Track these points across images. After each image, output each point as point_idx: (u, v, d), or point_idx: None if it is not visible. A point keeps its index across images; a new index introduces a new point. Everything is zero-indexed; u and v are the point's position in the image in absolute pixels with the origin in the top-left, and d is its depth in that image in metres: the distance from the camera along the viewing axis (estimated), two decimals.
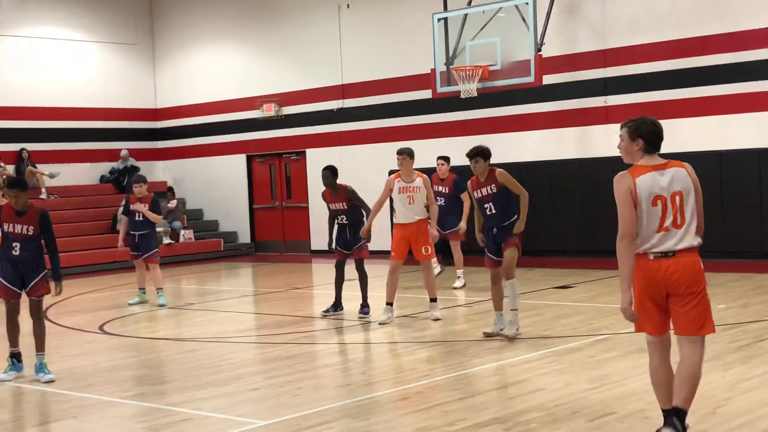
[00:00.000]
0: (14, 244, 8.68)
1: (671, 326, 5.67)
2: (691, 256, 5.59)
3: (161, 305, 13.36)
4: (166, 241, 21.27)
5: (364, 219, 11.42)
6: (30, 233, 8.68)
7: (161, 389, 8.18)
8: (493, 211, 9.57)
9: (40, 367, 8.67)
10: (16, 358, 8.90)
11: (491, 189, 9.56)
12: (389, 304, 11.08)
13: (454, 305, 12.38)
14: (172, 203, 21.97)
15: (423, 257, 11.16)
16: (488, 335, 9.65)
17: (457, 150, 17.83)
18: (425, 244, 11.11)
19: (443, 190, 13.90)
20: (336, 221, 11.68)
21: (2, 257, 8.77)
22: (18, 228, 8.67)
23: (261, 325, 12.07)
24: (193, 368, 8.92)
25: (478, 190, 9.66)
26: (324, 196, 11.76)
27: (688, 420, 5.58)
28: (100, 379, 8.56)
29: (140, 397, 7.86)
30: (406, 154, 11.13)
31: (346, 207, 11.50)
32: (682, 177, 5.62)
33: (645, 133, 5.73)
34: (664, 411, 5.64)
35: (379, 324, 10.90)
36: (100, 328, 11.77)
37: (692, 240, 5.60)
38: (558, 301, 12.25)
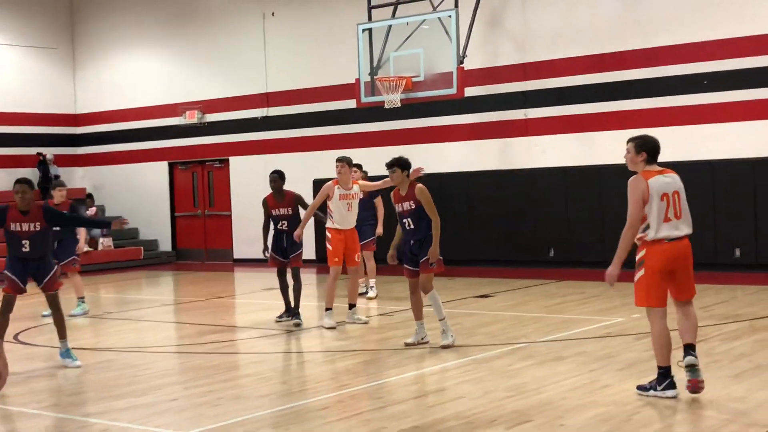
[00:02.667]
0: (23, 242, 9.15)
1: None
2: (687, 240, 7.10)
3: (73, 315, 13.03)
4: (85, 248, 20.86)
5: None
6: (37, 229, 9.14)
7: (77, 400, 8.07)
8: (412, 226, 9.69)
9: (67, 353, 9.41)
10: None
11: (411, 205, 9.66)
12: (330, 309, 11.29)
13: (377, 314, 12.44)
14: (91, 210, 21.60)
15: (355, 264, 11.63)
16: (409, 345, 9.74)
17: (381, 160, 17.96)
18: (358, 252, 11.62)
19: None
20: (276, 228, 11.72)
21: (11, 255, 9.25)
22: (25, 226, 9.12)
23: (181, 335, 11.97)
24: (110, 378, 8.82)
25: (399, 204, 9.77)
26: (266, 200, 11.81)
27: None
28: (14, 390, 8.40)
29: (55, 408, 7.74)
30: (345, 162, 11.56)
31: (290, 213, 11.66)
32: (677, 180, 7.13)
33: (649, 148, 7.13)
34: (662, 367, 7.04)
35: (327, 329, 11.04)
36: (15, 337, 11.53)
37: (687, 228, 7.09)
38: (478, 310, 12.42)
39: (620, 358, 8.73)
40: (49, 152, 23.21)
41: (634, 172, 7.13)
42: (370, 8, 17.04)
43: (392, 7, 17.11)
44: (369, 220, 13.73)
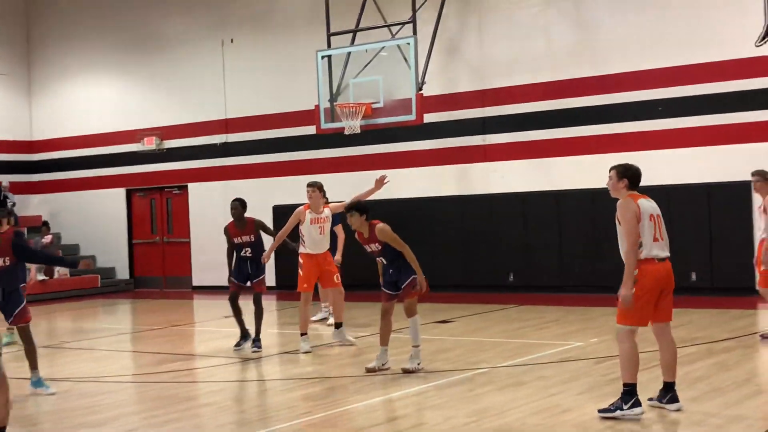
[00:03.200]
0: None
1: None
2: (669, 262, 7.42)
3: (6, 344, 12.71)
4: (40, 277, 20.66)
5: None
6: (6, 264, 8.78)
7: (33, 431, 7.93)
8: (386, 261, 9.78)
9: (39, 382, 9.31)
10: None
11: (377, 246, 9.70)
12: (304, 334, 11.34)
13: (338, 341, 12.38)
14: (47, 238, 21.34)
15: (334, 285, 11.74)
16: (369, 370, 9.72)
17: (341, 186, 17.99)
18: (336, 272, 11.74)
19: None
20: (239, 255, 11.73)
21: None
22: None
23: (139, 364, 11.84)
24: (65, 409, 8.68)
25: (367, 246, 9.84)
26: (227, 229, 11.80)
27: None
28: None
29: None
30: (316, 187, 11.65)
31: (252, 239, 11.67)
32: (655, 204, 7.47)
33: (629, 175, 7.45)
34: (630, 385, 7.18)
35: (304, 353, 11.09)
36: None
37: (668, 250, 7.42)
38: (438, 336, 12.42)
39: (580, 382, 8.78)
40: (5, 179, 22.92)
41: (617, 199, 7.40)
42: (329, 35, 17.12)
43: (351, 35, 17.20)
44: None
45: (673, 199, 15.48)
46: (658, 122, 15.91)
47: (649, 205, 7.39)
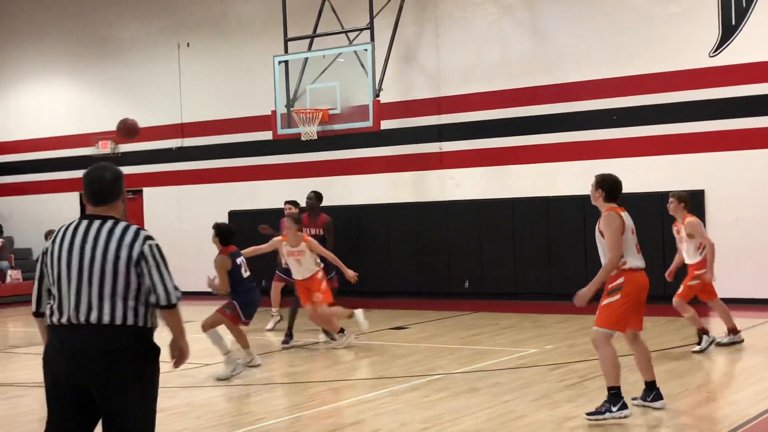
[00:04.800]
0: None
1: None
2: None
3: None
4: None
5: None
6: None
7: None
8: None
9: None
10: None
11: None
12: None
13: (292, 346, 12.36)
14: None
15: (314, 302, 11.81)
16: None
17: (297, 192, 17.96)
18: (315, 291, 11.72)
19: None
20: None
21: None
22: None
23: None
24: (18, 414, 8.58)
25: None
26: (300, 219, 12.20)
27: None
28: None
29: None
30: (293, 221, 11.77)
31: (320, 233, 12.75)
32: (629, 217, 7.67)
33: (605, 186, 7.75)
34: (615, 388, 7.38)
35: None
36: None
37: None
38: (393, 342, 12.46)
39: (534, 389, 8.86)
40: None
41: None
42: (286, 40, 17.10)
43: (308, 40, 17.20)
44: None
45: (629, 206, 15.65)
46: (612, 131, 16.09)
47: (627, 217, 7.69)
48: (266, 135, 18.18)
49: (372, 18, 16.20)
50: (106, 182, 4.81)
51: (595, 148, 16.19)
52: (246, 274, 10.43)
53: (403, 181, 18.10)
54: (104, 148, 21.69)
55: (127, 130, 11.41)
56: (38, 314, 4.82)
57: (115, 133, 11.69)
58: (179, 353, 4.89)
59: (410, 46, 17.79)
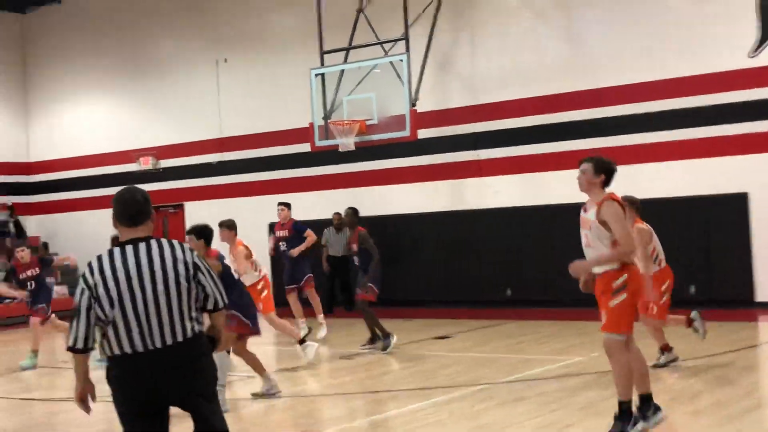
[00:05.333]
0: None
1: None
2: None
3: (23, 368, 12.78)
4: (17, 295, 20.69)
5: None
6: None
7: None
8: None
9: None
10: None
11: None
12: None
13: (335, 357, 12.39)
14: (57, 258, 21.39)
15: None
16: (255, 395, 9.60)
17: (336, 203, 18.06)
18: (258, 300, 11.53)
19: (284, 234, 14.49)
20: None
21: None
22: None
23: None
24: (63, 430, 8.68)
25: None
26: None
27: None
28: None
29: None
30: (226, 228, 11.76)
31: (355, 249, 12.70)
32: None
33: (607, 169, 6.90)
34: (646, 394, 6.97)
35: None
36: None
37: None
38: (436, 352, 12.44)
39: (581, 397, 8.79)
40: (6, 201, 23.05)
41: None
42: (322, 53, 17.19)
43: (344, 52, 17.28)
44: (299, 258, 14.10)
45: (669, 212, 15.53)
46: (651, 135, 15.96)
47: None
48: (304, 147, 18.27)
49: (407, 28, 16.24)
50: (141, 203, 4.78)
51: (632, 152, 16.04)
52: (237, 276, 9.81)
53: (440, 190, 18.10)
54: (146, 164, 21.94)
55: None
56: (84, 350, 4.67)
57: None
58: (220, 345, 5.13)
59: (446, 55, 17.80)
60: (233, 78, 20.77)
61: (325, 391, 10.12)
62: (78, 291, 4.65)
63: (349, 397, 9.64)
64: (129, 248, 4.68)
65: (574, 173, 17.59)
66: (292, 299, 14.15)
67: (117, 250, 4.68)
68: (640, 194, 15.75)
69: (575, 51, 16.71)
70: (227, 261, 9.73)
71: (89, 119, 23.25)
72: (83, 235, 23.28)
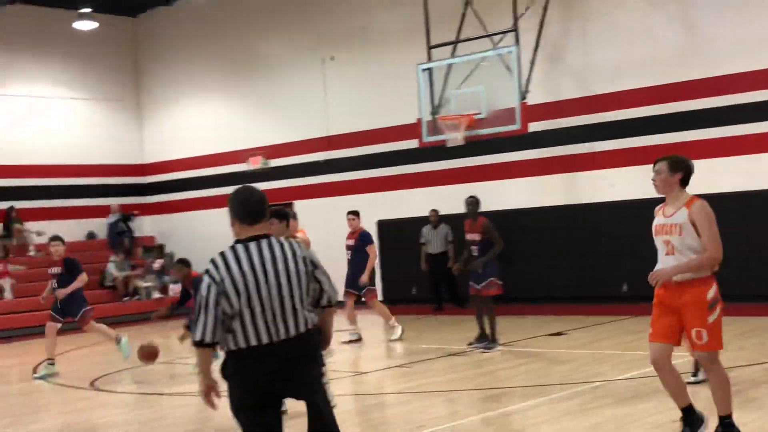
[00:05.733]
0: None
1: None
2: None
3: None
4: (156, 295, 21.20)
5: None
6: None
7: None
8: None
9: None
10: None
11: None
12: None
13: (446, 354, 12.27)
14: (158, 263, 22.01)
15: None
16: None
17: (445, 198, 17.94)
18: None
19: (351, 244, 14.21)
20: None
21: None
22: None
23: None
24: (186, 422, 8.81)
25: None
26: (464, 224, 12.58)
27: None
28: None
29: None
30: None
31: (478, 238, 12.31)
32: None
33: (685, 168, 6.38)
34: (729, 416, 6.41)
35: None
36: (92, 384, 11.63)
37: None
38: (551, 349, 12.19)
39: (702, 395, 8.43)
40: (117, 202, 23.75)
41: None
42: (429, 48, 17.08)
43: (452, 46, 17.12)
44: (363, 269, 13.90)
45: None
46: None
47: None
48: (412, 143, 18.22)
49: (516, 20, 15.99)
50: (259, 202, 4.92)
51: (755, 142, 15.41)
52: None
53: (553, 184, 17.74)
54: (255, 163, 22.25)
55: (146, 355, 11.63)
56: (211, 345, 4.73)
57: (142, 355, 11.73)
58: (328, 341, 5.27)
59: (556, 46, 17.45)
60: (340, 76, 20.85)
61: (437, 387, 10.01)
62: (204, 287, 4.72)
63: (461, 394, 9.51)
64: (252, 245, 4.81)
65: (693, 164, 16.92)
66: (350, 304, 14.01)
67: (240, 247, 4.81)
68: (759, 185, 15.22)
69: (691, 38, 16.14)
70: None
71: (200, 120, 23.72)
72: (197, 234, 23.77)
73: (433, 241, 17.78)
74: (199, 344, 4.71)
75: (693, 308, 6.23)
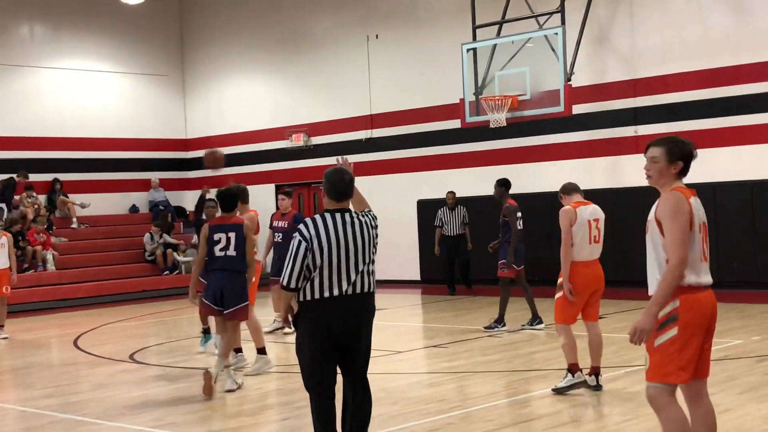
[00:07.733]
0: None
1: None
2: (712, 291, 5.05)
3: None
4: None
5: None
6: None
7: (193, 419, 8.14)
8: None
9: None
10: None
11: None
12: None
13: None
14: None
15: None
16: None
17: (486, 180, 17.84)
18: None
19: (283, 226, 13.13)
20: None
21: None
22: None
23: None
24: (226, 396, 8.88)
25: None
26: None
27: None
28: (132, 409, 8.55)
29: (172, 426, 7.83)
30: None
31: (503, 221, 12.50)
32: (702, 207, 5.11)
33: (686, 155, 5.12)
34: None
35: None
36: (131, 357, 11.77)
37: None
38: None
39: (740, 381, 8.39)
40: (159, 176, 23.97)
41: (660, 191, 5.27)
42: (474, 28, 16.98)
43: (497, 27, 17.00)
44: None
45: None
46: None
47: (699, 206, 5.09)
48: (455, 123, 18.15)
49: (563, 1, 15.81)
50: (349, 184, 5.91)
51: None
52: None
53: (596, 167, 17.59)
54: (297, 140, 22.30)
55: (214, 160, 11.73)
56: (295, 289, 5.65)
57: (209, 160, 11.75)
58: None
59: (603, 28, 17.25)
60: (384, 54, 20.79)
61: (474, 368, 10.00)
62: (295, 243, 5.68)
63: (498, 375, 9.50)
64: (337, 215, 5.81)
65: (740, 150, 16.78)
66: (277, 293, 12.40)
67: (327, 215, 5.80)
68: None
69: (742, 21, 15.88)
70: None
71: (244, 96, 23.81)
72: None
73: (450, 223, 17.61)
74: (286, 288, 5.68)
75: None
